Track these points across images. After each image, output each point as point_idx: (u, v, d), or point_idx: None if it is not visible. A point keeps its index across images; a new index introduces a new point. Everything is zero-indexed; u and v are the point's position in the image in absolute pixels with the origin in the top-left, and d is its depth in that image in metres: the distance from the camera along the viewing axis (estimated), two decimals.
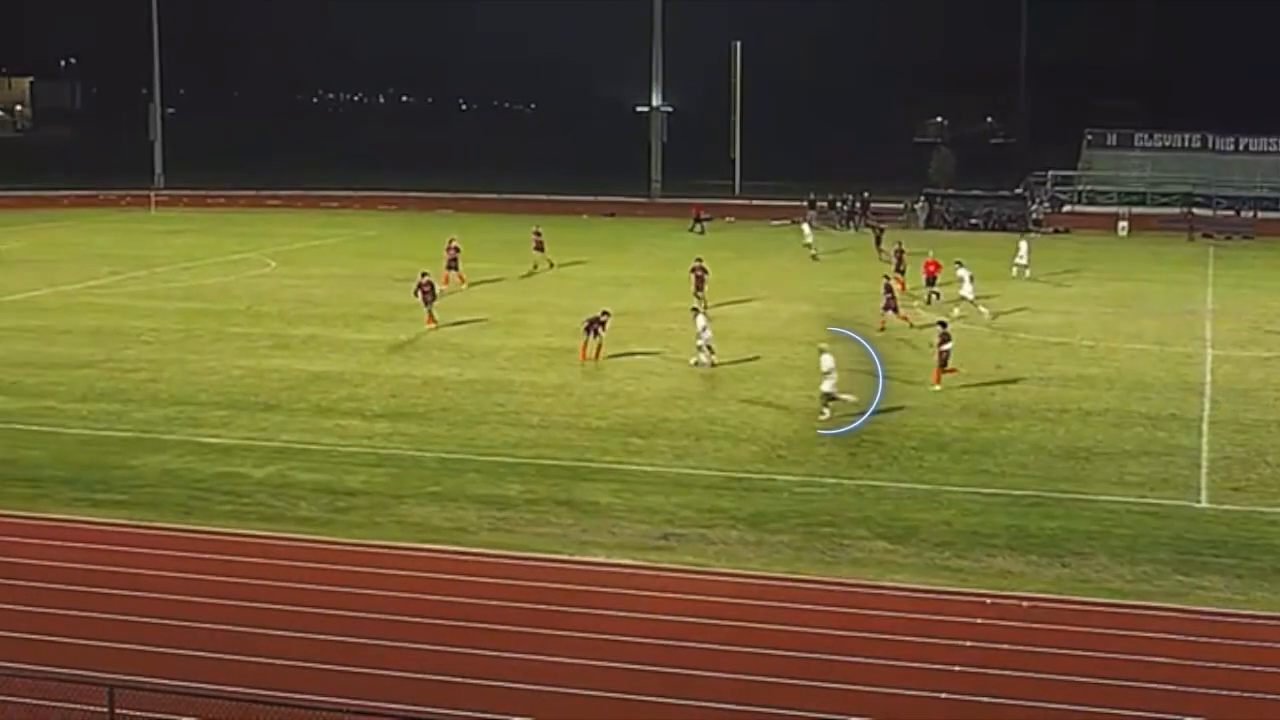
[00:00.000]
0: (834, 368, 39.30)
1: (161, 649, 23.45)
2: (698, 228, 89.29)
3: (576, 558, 28.26)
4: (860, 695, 22.19)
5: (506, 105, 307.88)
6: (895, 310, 52.42)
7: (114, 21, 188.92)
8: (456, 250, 64.04)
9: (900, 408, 40.62)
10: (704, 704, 21.80)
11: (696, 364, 45.80)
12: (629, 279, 67.06)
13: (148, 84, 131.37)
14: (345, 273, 67.73)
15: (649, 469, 34.63)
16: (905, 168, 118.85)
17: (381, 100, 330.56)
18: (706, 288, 57.63)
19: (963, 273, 57.28)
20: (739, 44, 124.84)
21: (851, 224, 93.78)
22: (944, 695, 22.22)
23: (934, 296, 58.52)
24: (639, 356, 47.91)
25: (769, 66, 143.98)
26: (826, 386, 39.13)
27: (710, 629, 24.57)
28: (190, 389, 43.03)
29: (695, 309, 48.35)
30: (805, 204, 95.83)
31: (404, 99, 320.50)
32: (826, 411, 39.05)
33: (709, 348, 46.17)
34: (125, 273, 69.14)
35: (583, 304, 58.02)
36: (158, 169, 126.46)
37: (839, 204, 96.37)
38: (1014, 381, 44.67)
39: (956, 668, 23.11)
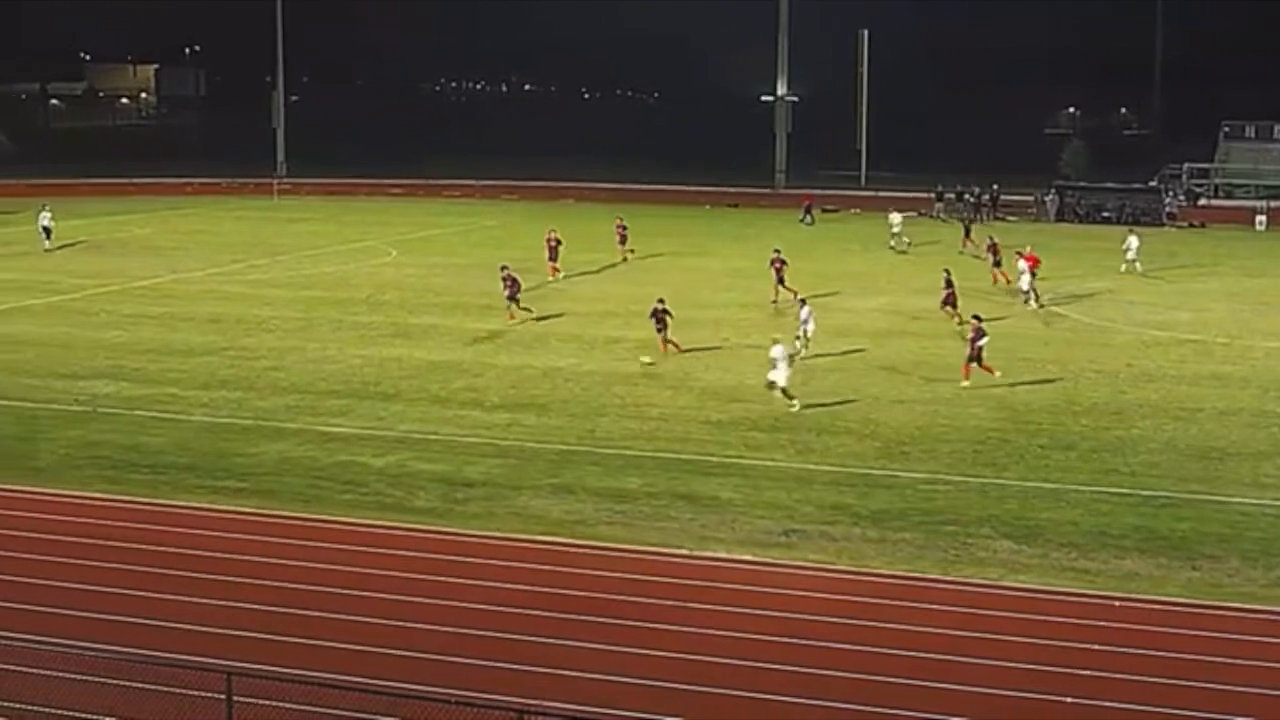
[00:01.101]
0: (784, 357, 39.57)
1: (279, 637, 23.74)
2: (807, 219, 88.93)
3: (696, 553, 28.26)
4: (981, 698, 22.02)
5: (630, 94, 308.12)
6: (954, 305, 51.73)
7: (238, 9, 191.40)
8: (557, 241, 64.19)
9: (1026, 405, 40.26)
10: (823, 703, 21.73)
11: (801, 355, 45.87)
12: (750, 270, 66.89)
13: (271, 72, 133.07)
14: (465, 262, 68.17)
15: (770, 464, 34.55)
16: (1036, 160, 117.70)
17: (504, 88, 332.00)
18: (786, 279, 57.31)
19: (1024, 263, 57.17)
20: (866, 32, 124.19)
21: (980, 216, 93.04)
22: (1069, 700, 21.99)
23: (1033, 295, 57.27)
24: (761, 350, 47.78)
25: (896, 55, 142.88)
26: (773, 376, 39.49)
27: (830, 627, 24.48)
28: (310, 377, 43.53)
29: (802, 299, 48.21)
30: (932, 196, 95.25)
31: (526, 87, 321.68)
32: (795, 403, 39.39)
33: (806, 339, 46.17)
34: (247, 260, 70.06)
35: (703, 295, 58.15)
36: (280, 156, 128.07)
37: (967, 196, 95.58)
38: (1146, 379, 44.09)
39: (1083, 671, 22.85)
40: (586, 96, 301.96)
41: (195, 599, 25.49)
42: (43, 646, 21.80)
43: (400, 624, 24.39)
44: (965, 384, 42.37)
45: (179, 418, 38.63)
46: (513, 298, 52.72)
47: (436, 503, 31.38)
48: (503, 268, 54.05)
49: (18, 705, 20.35)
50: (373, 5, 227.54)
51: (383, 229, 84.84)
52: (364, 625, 24.32)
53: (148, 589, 25.90)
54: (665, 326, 46.91)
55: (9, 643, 21.34)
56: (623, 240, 70.76)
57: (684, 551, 28.31)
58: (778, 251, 58.72)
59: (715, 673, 22.68)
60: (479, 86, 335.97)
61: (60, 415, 38.79)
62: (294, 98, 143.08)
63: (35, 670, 21.03)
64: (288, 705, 19.96)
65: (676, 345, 46.89)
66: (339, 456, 34.88)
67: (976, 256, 63.89)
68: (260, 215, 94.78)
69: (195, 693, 20.07)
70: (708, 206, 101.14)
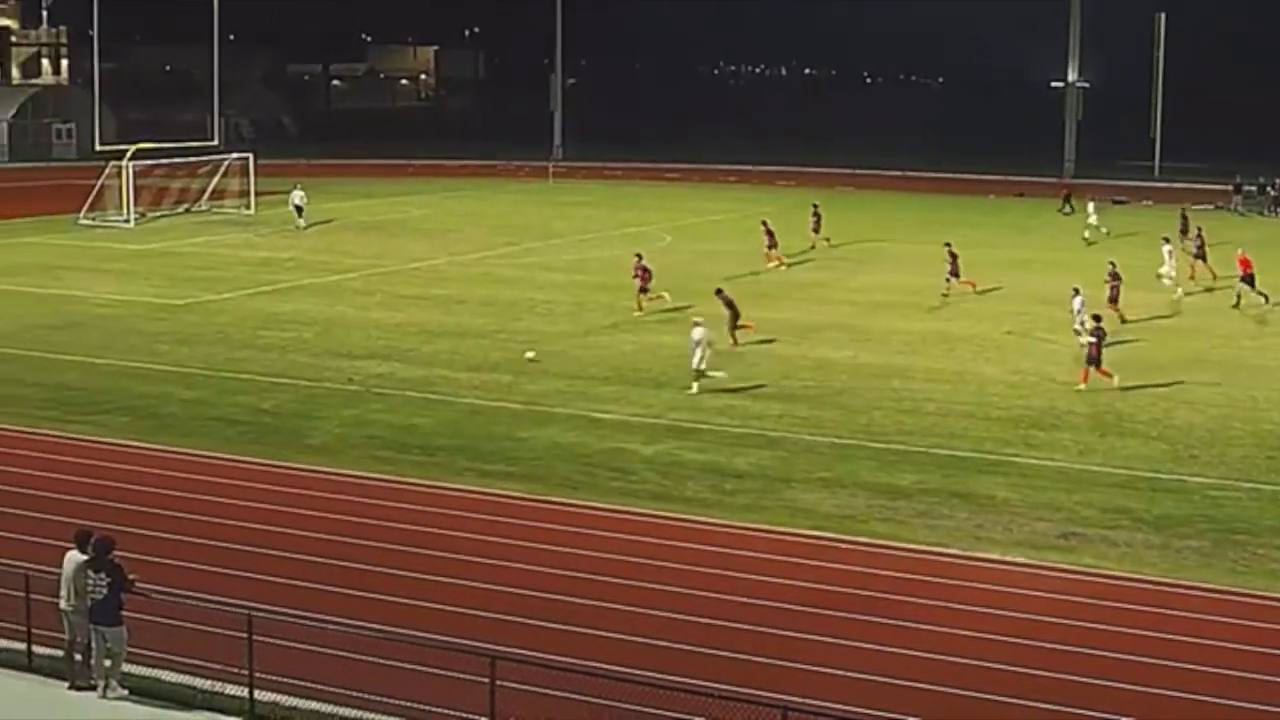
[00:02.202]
0: (704, 340, 39.96)
1: (543, 623, 24.07)
2: (1066, 208, 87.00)
3: (970, 553, 27.92)
4: (1270, 718, 21.37)
5: (913, 78, 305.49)
6: (1115, 302, 50.10)
7: None
8: (770, 233, 63.76)
9: None
10: (1101, 715, 21.29)
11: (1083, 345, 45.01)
12: (1032, 261, 65.93)
13: (549, 54, 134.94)
14: (740, 249, 68.22)
15: (1050, 464, 33.97)
16: None
17: (783, 72, 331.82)
18: (959, 270, 56.59)
19: (1168, 249, 56.45)
20: (1163, 15, 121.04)
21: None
22: None
23: (1241, 297, 55.00)
24: (1043, 344, 47.07)
25: (1195, 40, 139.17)
26: (695, 359, 39.82)
27: (1107, 635, 23.95)
28: (581, 362, 44.05)
29: (1075, 288, 47.29)
30: (1230, 188, 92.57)
31: (807, 71, 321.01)
32: (694, 386, 39.90)
33: (1084, 329, 45.38)
34: (521, 243, 71.20)
35: (983, 287, 57.36)
36: (556, 140, 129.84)
37: (1269, 189, 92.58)
38: None
39: None
40: (869, 81, 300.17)
41: (462, 581, 26.00)
42: (311, 623, 22.46)
43: (663, 614, 24.55)
44: (1080, 388, 40.96)
45: (450, 400, 39.44)
46: (644, 289, 52.14)
47: (705, 493, 31.52)
48: (637, 256, 53.76)
49: (288, 679, 20.99)
50: None
51: (657, 214, 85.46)
52: (627, 614, 24.54)
53: (416, 569, 26.49)
54: (736, 315, 46.21)
55: (279, 618, 22.03)
56: (816, 228, 70.40)
57: (956, 551, 28.01)
58: (949, 244, 58.03)
59: (984, 678, 22.37)
60: (758, 70, 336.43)
61: (335, 394, 39.92)
62: (571, 81, 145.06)
63: (303, 646, 21.66)
64: (549, 692, 20.23)
65: (734, 338, 46.12)
66: (608, 443, 35.25)
67: (1186, 252, 61.47)
68: (535, 198, 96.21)
69: (460, 675, 20.45)
70: (991, 196, 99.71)
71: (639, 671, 21.39)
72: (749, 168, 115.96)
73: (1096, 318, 42.48)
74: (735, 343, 45.85)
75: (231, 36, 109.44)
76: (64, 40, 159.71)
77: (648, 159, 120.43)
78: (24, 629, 22.06)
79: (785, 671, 22.41)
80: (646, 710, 19.75)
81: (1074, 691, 21.97)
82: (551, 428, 36.60)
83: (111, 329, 48.62)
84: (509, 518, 29.64)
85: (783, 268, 62.92)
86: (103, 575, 20.95)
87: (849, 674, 22.44)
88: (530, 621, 24.11)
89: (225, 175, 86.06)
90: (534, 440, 35.43)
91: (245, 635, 20.68)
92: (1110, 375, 41.06)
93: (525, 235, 74.13)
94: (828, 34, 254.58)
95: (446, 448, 34.70)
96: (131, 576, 21.21)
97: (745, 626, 24.09)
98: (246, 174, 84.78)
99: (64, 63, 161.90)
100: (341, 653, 21.53)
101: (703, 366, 40.16)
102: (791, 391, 40.77)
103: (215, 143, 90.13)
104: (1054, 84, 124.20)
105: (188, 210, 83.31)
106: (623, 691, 19.95)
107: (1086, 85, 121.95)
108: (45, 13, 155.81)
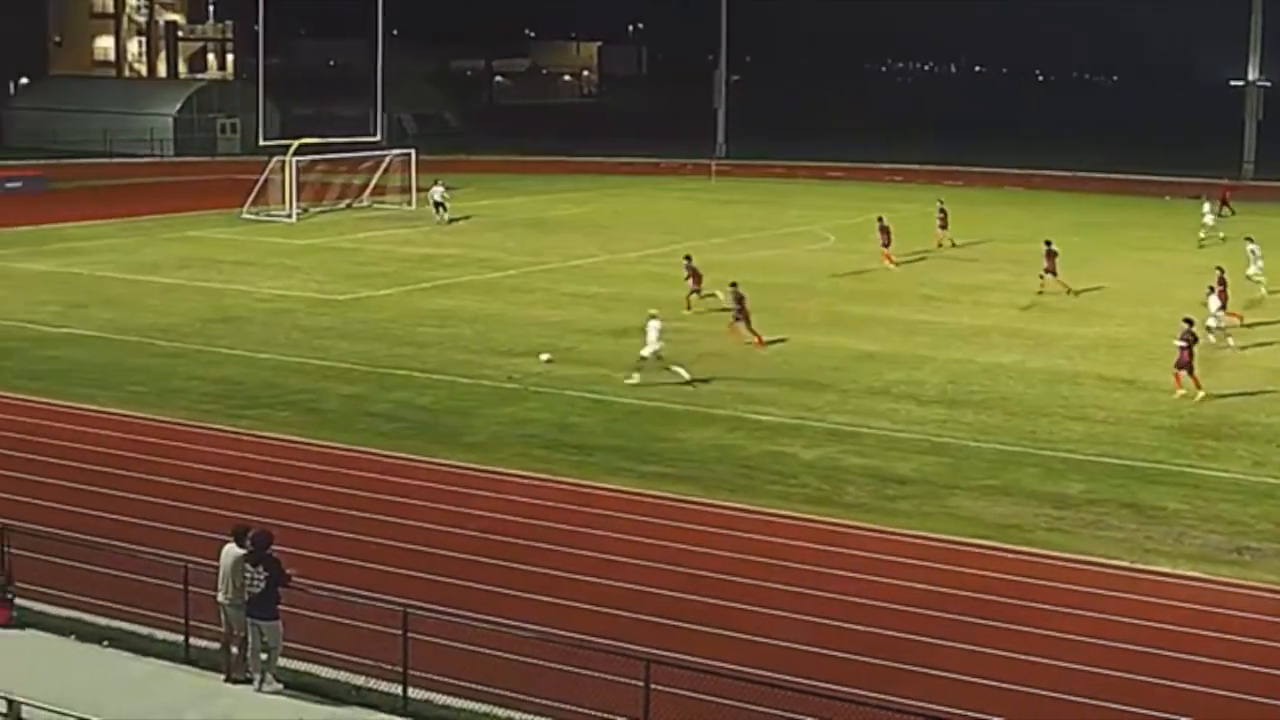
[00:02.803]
0: (659, 333, 40.81)
1: (697, 626, 24.09)
2: (1224, 211, 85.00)
3: (1138, 566, 27.50)
4: None
5: (1086, 76, 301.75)
6: (1223, 305, 48.80)
7: None
8: (885, 232, 63.41)
9: None
10: None
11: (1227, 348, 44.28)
12: (1208, 267, 64.67)
13: (713, 51, 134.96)
14: (904, 250, 67.75)
15: (1224, 475, 33.35)
16: None
17: (952, 70, 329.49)
18: (1057, 268, 56.17)
19: (1254, 246, 56.07)
20: None
21: None
22: None
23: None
24: (1217, 351, 46.23)
25: None
26: (645, 352, 40.86)
27: None
28: (741, 364, 44.00)
29: (1211, 288, 46.54)
30: None
31: (976, 69, 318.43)
32: (635, 375, 40.69)
33: (1220, 330, 44.70)
34: (683, 242, 71.25)
35: (1164, 291, 56.56)
36: (720, 137, 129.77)
37: None
38: None
39: None
40: (1040, 79, 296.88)
41: (616, 582, 26.10)
42: (465, 621, 22.66)
43: (821, 621, 24.46)
44: (1180, 393, 40.08)
45: (609, 399, 39.59)
46: (696, 290, 51.67)
47: (866, 498, 31.36)
48: (686, 259, 53.15)
49: (441, 677, 21.19)
50: None
51: (821, 213, 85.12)
52: (782, 619, 24.50)
53: (570, 569, 26.63)
54: (744, 313, 46.00)
55: (434, 616, 22.25)
56: (943, 225, 69.92)
57: (1124, 563, 27.60)
58: (1049, 242, 57.59)
59: (1150, 694, 22.03)
60: (927, 68, 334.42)
61: (493, 392, 40.23)
62: (735, 78, 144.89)
63: (457, 644, 21.86)
64: (702, 697, 20.23)
65: (738, 334, 46.16)
66: (768, 446, 35.19)
67: None
68: (697, 196, 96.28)
69: (613, 677, 20.54)
70: (1167, 198, 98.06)
71: (793, 678, 21.34)
72: (915, 167, 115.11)
73: (1189, 321, 41.03)
74: (760, 341, 46.05)
75: (395, 32, 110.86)
76: (229, 35, 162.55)
77: (812, 157, 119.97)
78: (182, 621, 22.50)
79: (942, 682, 22.23)
80: (799, 717, 19.70)
81: (1243, 711, 21.56)
82: (710, 429, 36.61)
83: (273, 324, 49.42)
84: (665, 519, 29.70)
85: (894, 268, 62.70)
86: (261, 569, 21.29)
87: (1008, 686, 22.20)
88: (684, 625, 24.14)
89: (387, 171, 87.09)
90: (692, 441, 35.46)
91: (400, 632, 20.94)
92: (1197, 386, 40.05)
93: (686, 234, 74.19)
94: (998, 31, 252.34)
95: (603, 447, 34.84)
96: (289, 571, 21.53)
97: (903, 635, 23.93)
98: (408, 170, 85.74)
99: (229, 57, 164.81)
100: (495, 651, 21.70)
101: (648, 354, 41.02)
102: (956, 396, 40.43)
103: (377, 138, 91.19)
104: (1233, 82, 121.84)
105: (349, 206, 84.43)
106: (776, 698, 19.91)
107: (1268, 84, 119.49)
108: (212, 8, 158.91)
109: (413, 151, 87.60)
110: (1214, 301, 45.92)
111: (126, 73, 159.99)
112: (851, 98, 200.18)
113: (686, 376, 40.82)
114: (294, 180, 79.46)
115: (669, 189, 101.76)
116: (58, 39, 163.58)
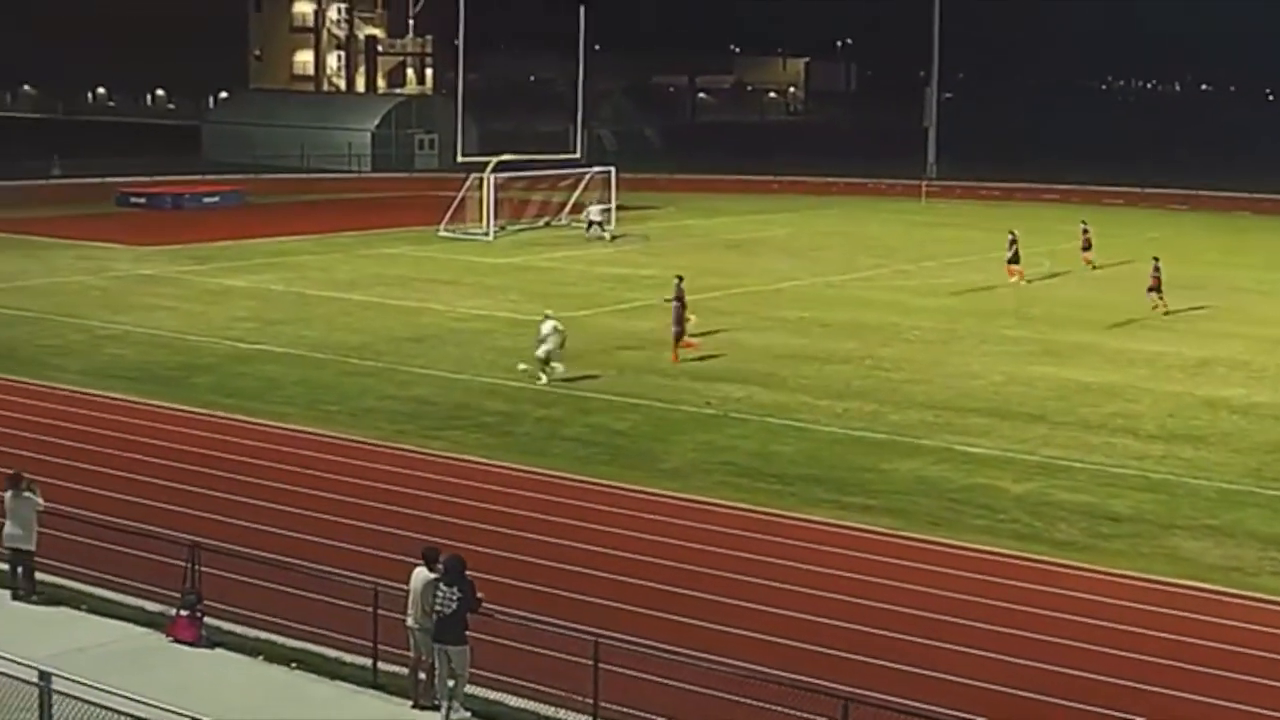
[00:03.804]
0: (550, 335, 43.27)
1: (897, 665, 23.87)
2: None
3: None
4: None
5: None
6: None
7: (894, 3, 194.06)
8: (1012, 245, 63.82)
9: None
10: None
11: None
12: None
13: (925, 67, 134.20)
14: (1122, 276, 66.71)
15: None
16: None
17: (1177, 88, 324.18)
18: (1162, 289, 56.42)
19: None
20: None
21: None
22: None
23: None
24: None
25: None
26: (540, 352, 43.39)
27: None
28: (950, 393, 43.62)
29: None
30: None
31: (1202, 86, 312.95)
32: (543, 376, 43.33)
33: None
34: (890, 265, 70.91)
35: None
36: (930, 157, 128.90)
37: None
38: None
39: None
40: (1270, 97, 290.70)
41: (814, 618, 25.94)
42: (657, 654, 22.68)
43: (1027, 663, 24.11)
44: None
45: (810, 427, 39.45)
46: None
47: (1078, 536, 30.88)
48: (678, 278, 50.03)
49: (632, 710, 21.23)
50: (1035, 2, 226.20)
51: (1035, 237, 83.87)
52: (984, 660, 24.17)
53: (767, 603, 26.53)
54: (683, 309, 47.39)
55: (626, 647, 22.27)
56: (1086, 246, 69.81)
57: None
58: (1156, 259, 57.87)
59: None
60: (1150, 86, 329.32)
61: (692, 418, 40.29)
62: (948, 95, 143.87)
63: (648, 676, 21.87)
64: None
65: (680, 345, 47.38)
66: (975, 479, 34.82)
67: None
68: (906, 218, 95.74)
69: (812, 716, 20.43)
70: None
71: None
72: (1135, 189, 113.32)
73: None
74: (679, 347, 47.24)
75: (597, 46, 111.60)
76: (429, 50, 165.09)
77: (1027, 178, 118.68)
78: (370, 645, 22.80)
79: None
80: None
81: None
82: (916, 460, 36.32)
83: (468, 343, 50.00)
84: (867, 553, 29.51)
85: (1022, 283, 62.91)
86: (454, 590, 21.47)
87: None
88: (884, 663, 23.95)
89: (586, 189, 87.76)
90: (897, 473, 35.21)
91: (591, 662, 21.00)
92: None
93: (894, 256, 73.80)
94: (1225, 47, 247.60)
95: (805, 477, 34.72)
96: (479, 596, 21.72)
97: (1117, 681, 23.50)
98: (608, 187, 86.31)
99: (428, 72, 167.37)
100: (688, 685, 21.67)
101: (542, 355, 43.46)
102: (1175, 430, 39.68)
103: (576, 155, 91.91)
104: None
105: (548, 224, 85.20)
106: None
107: None
108: (411, 22, 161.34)
109: (613, 169, 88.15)
110: None
111: (325, 87, 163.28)
112: (1070, 116, 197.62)
113: (543, 381, 43.29)
114: (492, 197, 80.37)
115: (877, 210, 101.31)
116: (258, 53, 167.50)
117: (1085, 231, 70.19)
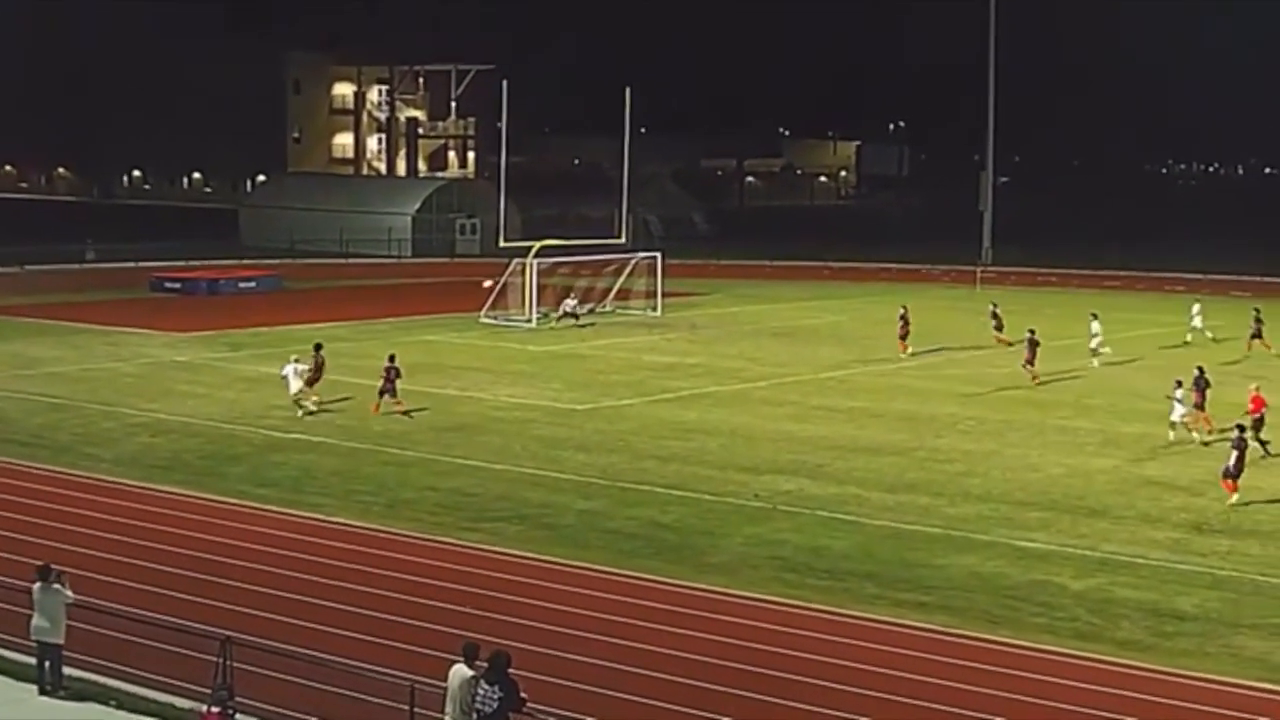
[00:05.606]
0: (291, 374, 51.62)
1: None
2: None
3: None
4: None
5: None
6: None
7: (946, 86, 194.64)
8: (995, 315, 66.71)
9: None
10: None
11: None
12: None
13: (979, 151, 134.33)
14: (1155, 364, 66.31)
15: None
16: None
17: (1239, 171, 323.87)
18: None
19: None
20: None
21: None
22: None
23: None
24: None
25: None
26: (291, 389, 51.48)
27: None
28: (1006, 485, 43.40)
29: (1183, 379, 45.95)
30: None
31: (1266, 170, 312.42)
32: (300, 410, 51.25)
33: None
34: (944, 354, 70.74)
35: None
36: (985, 242, 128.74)
37: None
38: None
39: None
40: None
41: (868, 719, 25.74)
42: None
43: None
44: (1231, 500, 40.73)
45: (862, 521, 39.27)
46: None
47: (1140, 634, 30.61)
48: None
49: None
50: (1092, 82, 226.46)
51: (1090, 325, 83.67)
52: None
53: (818, 703, 26.38)
54: (393, 387, 52.19)
55: None
56: (1257, 334, 69.75)
57: None
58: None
59: None
60: (1211, 169, 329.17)
61: (739, 510, 40.17)
62: (1004, 179, 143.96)
63: None
64: None
65: (381, 405, 51.94)
66: (1034, 575, 34.57)
67: None
68: (960, 304, 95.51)
69: None
70: None
71: None
72: (1199, 276, 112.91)
73: (1240, 427, 42.20)
74: (379, 408, 52.22)
75: (643, 129, 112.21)
76: (471, 132, 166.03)
77: (1086, 264, 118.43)
78: None
79: None
80: None
81: None
82: (971, 555, 36.10)
83: (509, 433, 50.00)
84: (921, 652, 29.29)
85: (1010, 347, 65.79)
86: (496, 688, 21.36)
87: None
88: None
89: (632, 274, 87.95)
90: (952, 569, 34.98)
91: None
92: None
93: (947, 344, 73.63)
94: None
95: (856, 572, 34.53)
96: (522, 695, 21.59)
97: None
98: (654, 274, 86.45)
99: (470, 155, 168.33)
100: None
101: (297, 396, 51.35)
102: (1242, 525, 39.35)
103: (622, 240, 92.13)
104: None
105: (592, 311, 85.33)
106: None
107: None
108: (454, 104, 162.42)
109: (659, 255, 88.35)
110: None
111: (365, 170, 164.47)
112: (1130, 200, 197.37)
113: (311, 409, 51.20)
114: (534, 283, 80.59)
115: (931, 297, 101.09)
116: (297, 135, 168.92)
117: (1258, 321, 70.48)
